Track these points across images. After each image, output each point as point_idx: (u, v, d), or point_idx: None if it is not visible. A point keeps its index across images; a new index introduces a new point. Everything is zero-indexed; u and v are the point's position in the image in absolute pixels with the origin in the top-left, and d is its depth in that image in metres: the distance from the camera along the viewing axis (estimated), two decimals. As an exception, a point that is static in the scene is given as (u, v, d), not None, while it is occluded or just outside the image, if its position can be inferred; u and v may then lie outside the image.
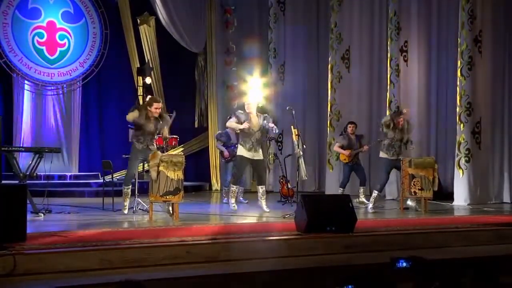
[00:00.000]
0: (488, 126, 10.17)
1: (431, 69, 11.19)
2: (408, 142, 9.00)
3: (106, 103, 13.51)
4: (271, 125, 8.36)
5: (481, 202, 9.86)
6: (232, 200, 8.42)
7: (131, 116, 7.68)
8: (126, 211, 7.71)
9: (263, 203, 8.37)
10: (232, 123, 8.43)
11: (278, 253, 5.60)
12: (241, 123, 8.24)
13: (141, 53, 13.55)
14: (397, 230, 6.73)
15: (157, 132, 7.91)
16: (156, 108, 7.64)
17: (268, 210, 8.33)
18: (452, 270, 3.40)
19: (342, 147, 10.07)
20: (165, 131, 8.11)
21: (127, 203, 7.73)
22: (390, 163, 8.89)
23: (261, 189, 8.41)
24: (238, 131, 8.50)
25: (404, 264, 3.73)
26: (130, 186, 7.91)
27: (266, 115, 8.64)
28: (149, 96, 8.49)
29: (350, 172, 10.11)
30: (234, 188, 8.47)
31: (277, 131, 8.85)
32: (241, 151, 8.30)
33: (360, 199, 9.76)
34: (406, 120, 9.02)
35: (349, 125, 10.24)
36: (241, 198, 9.91)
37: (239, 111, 8.54)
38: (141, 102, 13.34)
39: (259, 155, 8.34)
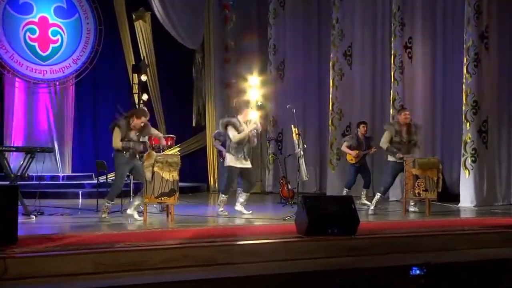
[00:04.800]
0: (495, 124, 10.16)
1: (436, 66, 11.18)
2: (416, 145, 8.93)
3: (100, 101, 13.51)
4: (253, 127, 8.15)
5: (488, 203, 9.85)
6: (221, 208, 8.21)
7: (117, 138, 7.41)
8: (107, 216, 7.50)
9: (242, 208, 8.16)
10: (238, 135, 8.02)
11: (278, 256, 5.59)
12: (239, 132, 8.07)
13: (136, 50, 13.56)
14: (400, 232, 6.71)
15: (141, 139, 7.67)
16: (143, 122, 7.51)
17: (249, 212, 8.17)
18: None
19: (350, 147, 10.06)
20: (155, 132, 7.94)
21: (106, 215, 7.50)
22: (397, 167, 8.83)
23: (245, 196, 8.20)
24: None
25: (418, 272, 3.68)
26: (114, 203, 7.67)
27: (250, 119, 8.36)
28: (133, 111, 8.06)
29: (356, 173, 10.08)
30: (224, 198, 8.25)
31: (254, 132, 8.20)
32: (231, 161, 8.11)
33: (362, 201, 9.75)
34: (413, 123, 8.98)
35: (362, 125, 10.14)
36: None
37: (233, 119, 8.19)
38: (136, 100, 13.37)
39: (248, 164, 8.24)
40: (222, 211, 8.17)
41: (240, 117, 8.18)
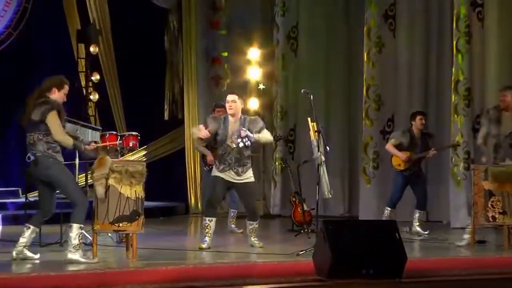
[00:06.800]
0: None
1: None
2: None
3: (30, 84, 13.36)
4: (245, 133, 8.09)
5: None
6: (206, 238, 8.20)
7: (60, 127, 7.11)
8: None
9: (253, 240, 8.40)
10: (201, 147, 8.42)
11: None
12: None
13: (83, 9, 13.54)
14: (466, 274, 6.76)
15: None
16: (65, 93, 7.33)
17: (261, 245, 8.33)
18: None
19: (399, 146, 10.01)
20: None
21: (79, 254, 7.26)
22: None
23: (250, 225, 8.40)
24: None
25: None
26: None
27: (256, 117, 8.59)
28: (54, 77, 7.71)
29: (405, 185, 10.08)
30: (206, 221, 8.26)
31: (248, 143, 8.16)
32: (214, 170, 8.36)
33: (414, 228, 9.74)
34: None
35: (418, 117, 10.08)
36: (233, 226, 9.95)
37: (212, 116, 8.46)
38: (83, 81, 13.40)
39: (243, 177, 8.27)
40: (206, 241, 8.17)
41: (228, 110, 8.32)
